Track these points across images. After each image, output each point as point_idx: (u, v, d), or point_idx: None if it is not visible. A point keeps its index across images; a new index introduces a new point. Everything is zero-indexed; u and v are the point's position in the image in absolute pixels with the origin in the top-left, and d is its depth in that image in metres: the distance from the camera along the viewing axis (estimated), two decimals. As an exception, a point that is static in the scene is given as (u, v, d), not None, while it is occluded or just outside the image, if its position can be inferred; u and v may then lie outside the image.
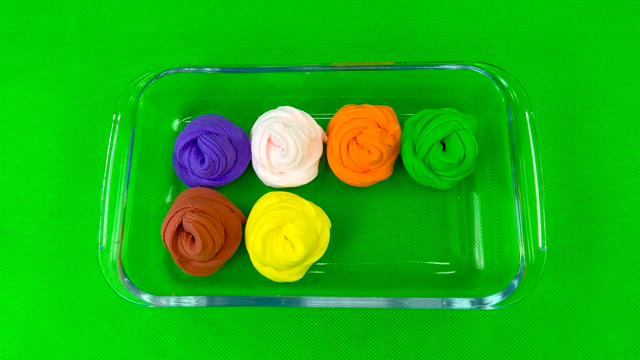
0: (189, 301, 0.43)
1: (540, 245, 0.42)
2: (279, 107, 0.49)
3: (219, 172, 0.48)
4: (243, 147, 0.49)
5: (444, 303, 0.42)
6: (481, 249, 0.48)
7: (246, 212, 0.48)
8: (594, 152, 0.51)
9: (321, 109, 0.51)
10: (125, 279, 0.43)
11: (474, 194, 0.49)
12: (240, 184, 0.51)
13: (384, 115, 0.48)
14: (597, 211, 0.50)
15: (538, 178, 0.43)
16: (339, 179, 0.49)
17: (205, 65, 0.49)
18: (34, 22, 0.58)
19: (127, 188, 0.46)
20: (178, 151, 0.48)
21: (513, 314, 0.47)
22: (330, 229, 0.47)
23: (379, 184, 0.50)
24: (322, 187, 0.51)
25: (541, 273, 0.41)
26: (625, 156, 0.51)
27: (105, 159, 0.45)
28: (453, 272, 0.48)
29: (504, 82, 0.47)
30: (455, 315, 0.48)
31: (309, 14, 0.57)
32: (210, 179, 0.49)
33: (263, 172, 0.49)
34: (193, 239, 0.45)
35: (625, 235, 0.49)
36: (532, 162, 0.44)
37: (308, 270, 0.48)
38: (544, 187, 0.43)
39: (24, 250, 0.50)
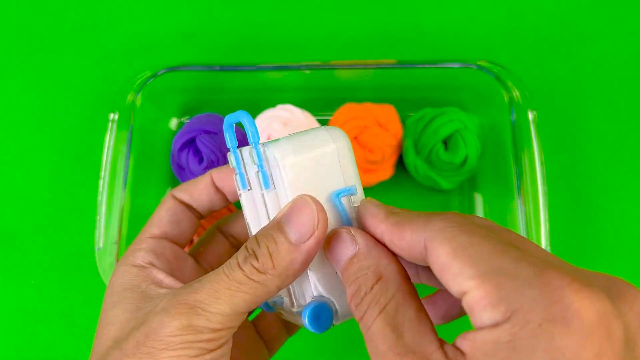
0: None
1: (543, 247, 0.42)
2: (279, 106, 0.49)
3: (217, 172, 0.48)
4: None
5: (446, 305, 0.42)
6: (483, 250, 0.47)
7: (245, 213, 0.48)
8: (598, 152, 0.51)
9: (321, 107, 0.51)
10: (123, 281, 0.43)
11: (476, 194, 0.49)
12: (239, 183, 0.50)
13: (385, 114, 0.47)
14: (600, 211, 0.49)
15: (541, 178, 0.43)
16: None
17: (204, 63, 0.48)
18: (31, 20, 0.57)
19: (125, 188, 0.45)
20: (176, 151, 0.48)
21: (516, 315, 0.47)
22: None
23: (380, 184, 0.49)
24: (323, 187, 0.50)
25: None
26: (629, 156, 0.51)
27: (103, 158, 0.44)
28: (455, 273, 0.47)
29: (506, 81, 0.46)
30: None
31: (309, 11, 0.57)
32: (208, 179, 0.48)
33: (262, 172, 0.48)
34: (192, 240, 0.44)
35: (629, 235, 0.48)
36: (534, 162, 0.44)
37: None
38: (547, 187, 0.43)
39: (20, 251, 0.50)
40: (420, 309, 0.22)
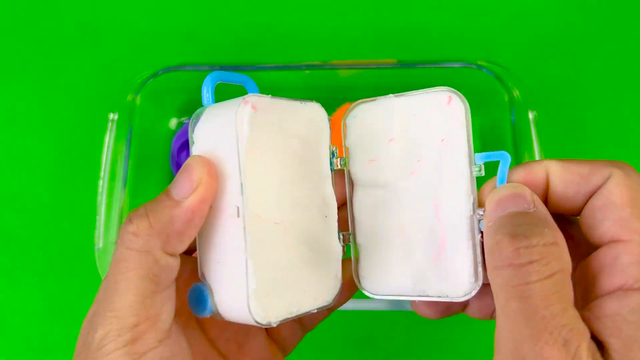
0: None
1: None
2: (279, 106, 0.49)
3: (217, 172, 0.47)
4: (242, 147, 0.49)
5: (447, 305, 0.42)
6: (483, 250, 0.47)
7: (245, 213, 0.48)
8: (598, 152, 0.51)
9: (321, 107, 0.51)
10: (123, 281, 0.43)
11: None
12: (239, 183, 0.50)
13: (385, 114, 0.47)
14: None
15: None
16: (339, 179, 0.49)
17: (204, 63, 0.48)
18: (31, 20, 0.57)
19: (125, 188, 0.45)
20: (176, 150, 0.48)
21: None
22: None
23: (380, 184, 0.49)
24: (322, 187, 0.50)
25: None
26: (629, 156, 0.51)
27: (102, 158, 0.44)
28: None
29: (506, 81, 0.46)
30: (458, 317, 0.47)
31: (309, 11, 0.57)
32: (208, 179, 0.48)
33: (262, 172, 0.48)
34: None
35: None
36: (535, 162, 0.44)
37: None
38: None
39: (20, 251, 0.50)
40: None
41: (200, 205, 0.23)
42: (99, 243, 0.43)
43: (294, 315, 0.25)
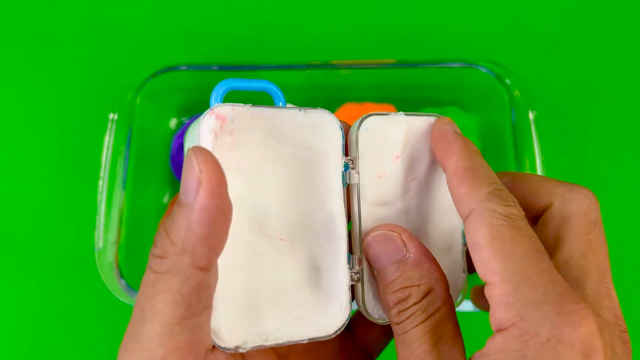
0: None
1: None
2: (279, 106, 0.49)
3: (217, 172, 0.47)
4: (242, 147, 0.49)
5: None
6: (483, 250, 0.47)
7: (245, 213, 0.48)
8: (598, 152, 0.51)
9: (322, 107, 0.51)
10: (122, 281, 0.43)
11: (476, 194, 0.49)
12: (239, 184, 0.50)
13: (385, 114, 0.47)
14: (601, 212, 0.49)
15: (541, 178, 0.43)
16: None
17: (204, 63, 0.48)
18: (30, 19, 0.57)
19: (124, 188, 0.45)
20: (175, 150, 0.48)
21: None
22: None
23: (380, 184, 0.49)
24: (322, 187, 0.50)
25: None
26: (630, 156, 0.51)
27: (102, 158, 0.44)
28: (455, 273, 0.47)
29: (507, 81, 0.46)
30: (459, 317, 0.47)
31: (309, 11, 0.56)
32: (208, 179, 0.48)
33: (262, 172, 0.48)
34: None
35: (629, 236, 0.48)
36: (535, 162, 0.43)
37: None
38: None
39: (19, 251, 0.50)
40: (457, 327, 0.23)
41: (214, 200, 0.19)
42: (99, 243, 0.43)
43: (272, 343, 0.23)
